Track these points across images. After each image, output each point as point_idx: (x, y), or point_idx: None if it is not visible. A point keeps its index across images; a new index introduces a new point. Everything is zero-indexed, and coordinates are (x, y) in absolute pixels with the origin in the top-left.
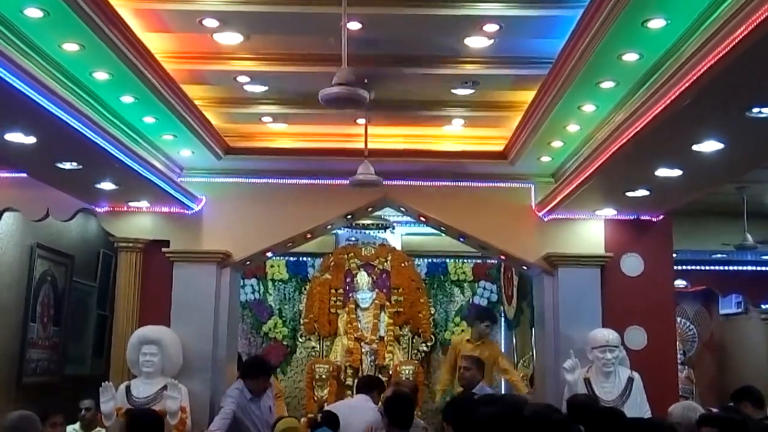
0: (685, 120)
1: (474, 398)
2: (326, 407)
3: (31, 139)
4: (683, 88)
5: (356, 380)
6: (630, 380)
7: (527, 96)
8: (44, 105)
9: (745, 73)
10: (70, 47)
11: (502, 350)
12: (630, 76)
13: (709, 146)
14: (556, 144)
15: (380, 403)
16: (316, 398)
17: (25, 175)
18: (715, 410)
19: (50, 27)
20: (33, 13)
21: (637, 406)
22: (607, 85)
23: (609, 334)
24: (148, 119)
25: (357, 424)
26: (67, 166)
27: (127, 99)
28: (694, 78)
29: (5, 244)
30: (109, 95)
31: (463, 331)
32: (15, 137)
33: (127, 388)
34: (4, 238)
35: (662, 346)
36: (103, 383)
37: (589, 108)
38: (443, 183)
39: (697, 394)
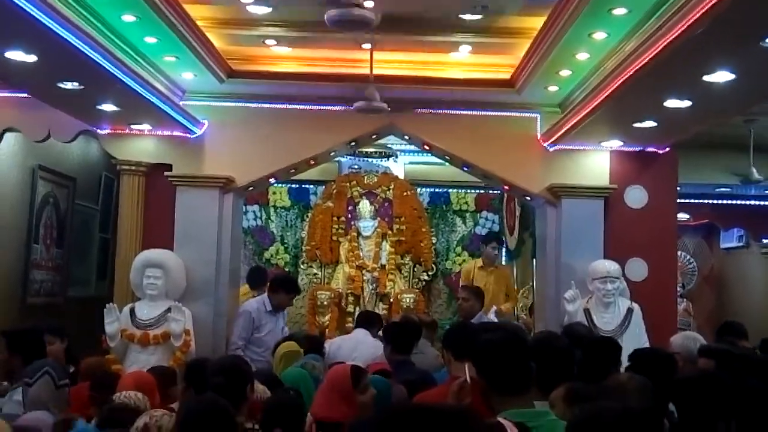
0: (697, 49)
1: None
2: (329, 341)
3: (32, 57)
4: (697, 16)
5: (356, 314)
6: (629, 311)
7: (537, 22)
8: (45, 22)
9: (761, 1)
10: None
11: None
12: (643, 3)
13: (721, 77)
14: (565, 73)
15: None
16: (317, 324)
17: (26, 94)
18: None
19: None
20: None
21: (636, 337)
22: (620, 11)
23: (610, 266)
24: (150, 39)
25: (361, 357)
26: (68, 85)
27: (129, 18)
28: (709, 6)
29: (7, 165)
30: (110, 14)
31: (464, 261)
32: (15, 55)
33: (131, 311)
34: (5, 159)
35: (663, 279)
36: (107, 305)
37: (599, 35)
38: (449, 111)
39: (696, 327)
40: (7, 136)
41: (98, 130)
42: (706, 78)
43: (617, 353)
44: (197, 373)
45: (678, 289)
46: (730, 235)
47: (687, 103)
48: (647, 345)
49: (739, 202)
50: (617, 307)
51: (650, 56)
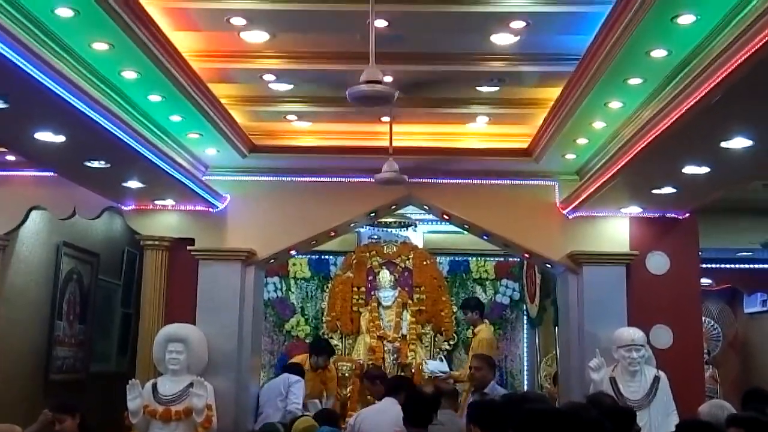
0: (713, 117)
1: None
2: (354, 415)
3: (61, 138)
4: (713, 84)
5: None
6: (656, 379)
7: (553, 93)
8: (74, 104)
9: None
10: (100, 46)
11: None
12: (658, 72)
13: (738, 143)
14: (582, 141)
15: None
16: (339, 396)
17: (51, 173)
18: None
19: (80, 26)
20: (64, 12)
21: (663, 405)
22: (635, 81)
23: (635, 333)
24: (175, 118)
25: (385, 427)
26: (96, 164)
27: (155, 98)
28: (725, 75)
29: (32, 243)
30: (137, 94)
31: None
32: (45, 136)
33: (154, 386)
34: (31, 237)
35: (688, 345)
36: (129, 381)
37: (615, 105)
38: (467, 181)
39: (722, 393)
40: (33, 213)
41: (122, 207)
42: (723, 144)
43: (631, 422)
44: None
45: (703, 355)
46: (753, 299)
47: (705, 170)
48: (675, 413)
49: (761, 266)
50: (643, 375)
51: (667, 124)
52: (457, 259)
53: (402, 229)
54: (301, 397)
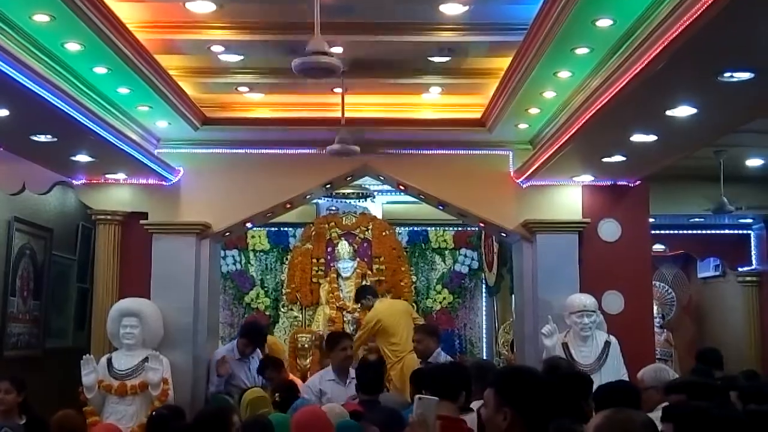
0: (657, 86)
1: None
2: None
3: (4, 112)
4: (655, 53)
5: None
6: (607, 344)
7: (504, 63)
8: (16, 77)
9: (716, 37)
10: (41, 18)
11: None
12: (604, 41)
13: (683, 111)
14: (534, 111)
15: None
16: (299, 367)
17: None
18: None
19: None
20: None
21: (614, 370)
22: (582, 51)
23: (586, 299)
24: (123, 90)
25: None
26: (42, 138)
27: (101, 70)
28: (666, 43)
29: None
30: (81, 66)
31: (444, 298)
32: None
33: (109, 361)
34: None
35: (639, 311)
36: (84, 356)
37: (564, 74)
38: (422, 151)
39: (677, 357)
40: None
41: (73, 181)
42: (668, 113)
43: (588, 387)
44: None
45: (658, 319)
46: (706, 264)
47: (653, 138)
48: (626, 377)
49: (713, 231)
50: (595, 340)
51: (613, 93)
52: (416, 229)
53: (360, 200)
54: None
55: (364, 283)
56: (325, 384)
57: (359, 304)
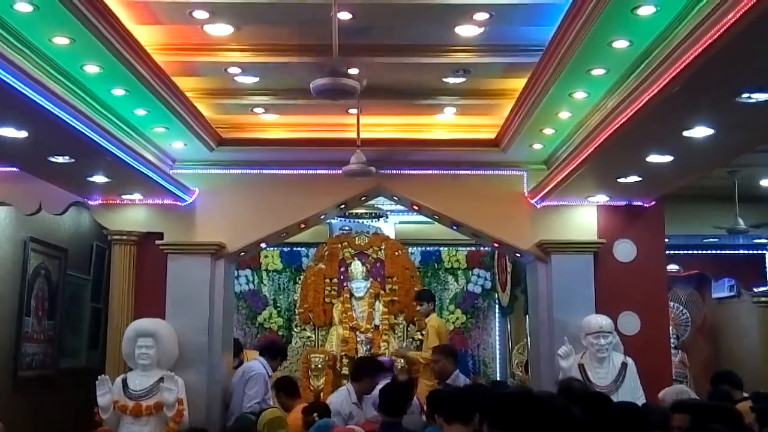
0: (674, 106)
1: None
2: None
3: (23, 134)
4: (673, 74)
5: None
6: (624, 365)
7: (518, 84)
8: (35, 99)
9: (734, 58)
10: (61, 41)
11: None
12: (620, 63)
13: (700, 132)
14: (548, 131)
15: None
16: (312, 388)
17: (16, 169)
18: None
19: (40, 21)
20: (23, 7)
21: (632, 391)
22: (598, 72)
23: (602, 320)
24: (140, 112)
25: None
26: (59, 159)
27: (118, 92)
28: (684, 64)
29: None
30: (100, 88)
31: (458, 318)
32: (6, 132)
33: (124, 381)
34: None
35: (655, 331)
36: (99, 376)
37: (580, 95)
38: (436, 171)
39: (691, 377)
40: None
41: (89, 202)
42: (685, 133)
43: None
44: None
45: (672, 340)
46: (721, 285)
47: (669, 158)
48: (643, 399)
49: (727, 252)
50: (611, 361)
51: (629, 114)
52: (428, 249)
53: (373, 220)
54: (260, 392)
55: (377, 302)
56: (351, 406)
57: (420, 306)
